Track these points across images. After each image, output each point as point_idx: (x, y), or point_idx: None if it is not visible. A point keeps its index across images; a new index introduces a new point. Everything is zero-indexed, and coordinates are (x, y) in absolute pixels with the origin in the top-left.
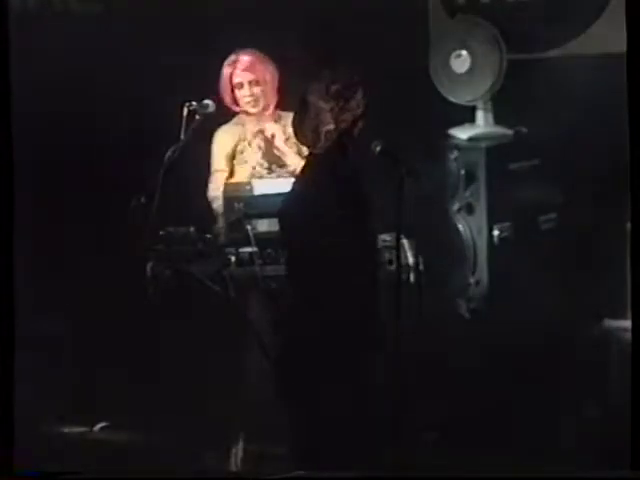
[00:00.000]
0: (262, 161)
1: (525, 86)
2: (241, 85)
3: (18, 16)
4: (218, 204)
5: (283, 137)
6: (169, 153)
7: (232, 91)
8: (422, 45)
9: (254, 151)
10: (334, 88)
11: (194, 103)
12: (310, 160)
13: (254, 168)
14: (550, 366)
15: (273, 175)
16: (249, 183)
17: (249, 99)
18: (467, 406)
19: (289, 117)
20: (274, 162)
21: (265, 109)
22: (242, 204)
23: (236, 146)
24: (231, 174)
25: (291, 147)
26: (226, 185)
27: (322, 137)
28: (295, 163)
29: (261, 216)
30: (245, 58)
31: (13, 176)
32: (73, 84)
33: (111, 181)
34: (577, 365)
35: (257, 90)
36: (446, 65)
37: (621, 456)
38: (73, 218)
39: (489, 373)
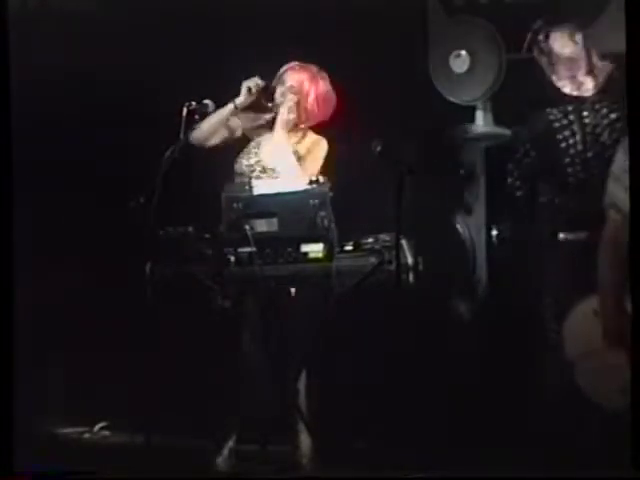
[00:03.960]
0: (259, 163)
1: (525, 86)
2: (283, 83)
3: (18, 16)
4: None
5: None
6: (168, 153)
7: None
8: (421, 45)
9: (259, 150)
10: (578, 37)
11: (194, 103)
12: (576, 105)
13: (249, 165)
14: (550, 366)
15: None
16: (249, 183)
17: (280, 99)
18: (466, 405)
19: (317, 139)
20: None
21: (294, 119)
22: (241, 204)
23: (253, 133)
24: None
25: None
26: (226, 185)
27: (580, 83)
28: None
29: (260, 216)
30: (298, 68)
31: (13, 176)
32: (73, 84)
33: (111, 181)
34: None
35: (291, 96)
36: (446, 65)
37: (621, 456)
38: (73, 218)
39: (489, 373)
